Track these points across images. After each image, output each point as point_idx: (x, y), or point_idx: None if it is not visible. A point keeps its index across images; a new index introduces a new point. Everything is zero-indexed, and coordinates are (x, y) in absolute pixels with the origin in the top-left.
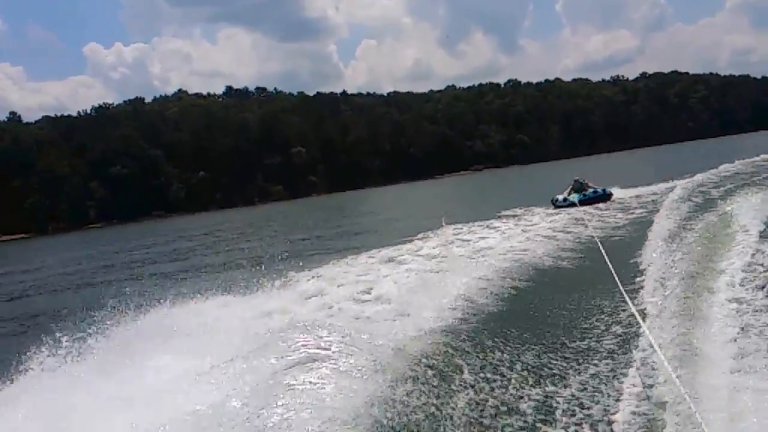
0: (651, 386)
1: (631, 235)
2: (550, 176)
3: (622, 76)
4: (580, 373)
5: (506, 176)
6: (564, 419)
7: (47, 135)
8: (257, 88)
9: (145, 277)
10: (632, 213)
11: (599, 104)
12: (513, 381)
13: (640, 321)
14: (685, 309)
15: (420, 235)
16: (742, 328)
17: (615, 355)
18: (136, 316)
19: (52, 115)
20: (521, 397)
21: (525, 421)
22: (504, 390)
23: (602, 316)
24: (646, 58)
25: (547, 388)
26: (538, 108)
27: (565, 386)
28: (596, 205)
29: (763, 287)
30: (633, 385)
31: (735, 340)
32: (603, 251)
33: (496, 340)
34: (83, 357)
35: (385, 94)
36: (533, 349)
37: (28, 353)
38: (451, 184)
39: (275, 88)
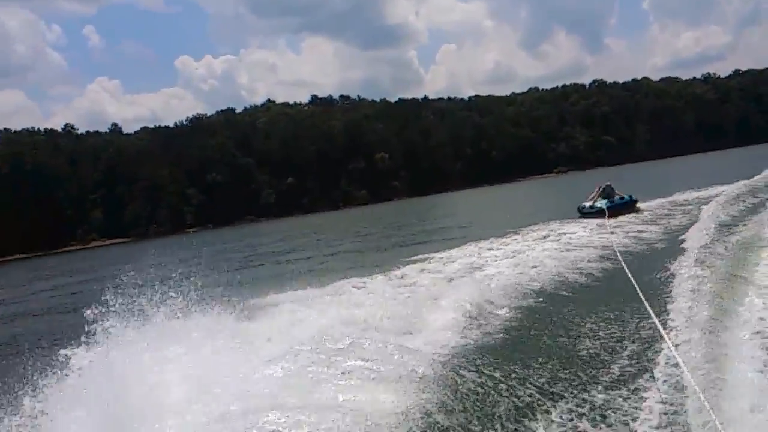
0: (674, 405)
1: (661, 247)
2: (636, 177)
3: (714, 73)
4: (599, 388)
5: (589, 178)
6: None
7: (147, 145)
8: (341, 96)
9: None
10: (662, 224)
11: (689, 103)
12: (528, 396)
13: (667, 339)
14: (713, 329)
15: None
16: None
17: (637, 372)
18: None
19: (149, 125)
20: (536, 413)
21: None
22: (520, 404)
23: (626, 333)
24: (739, 54)
25: (564, 405)
26: (625, 108)
27: (585, 401)
28: (625, 214)
29: None
30: (656, 402)
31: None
32: (623, 264)
33: (513, 354)
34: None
35: (467, 98)
36: (551, 363)
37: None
38: (532, 187)
39: (358, 96)
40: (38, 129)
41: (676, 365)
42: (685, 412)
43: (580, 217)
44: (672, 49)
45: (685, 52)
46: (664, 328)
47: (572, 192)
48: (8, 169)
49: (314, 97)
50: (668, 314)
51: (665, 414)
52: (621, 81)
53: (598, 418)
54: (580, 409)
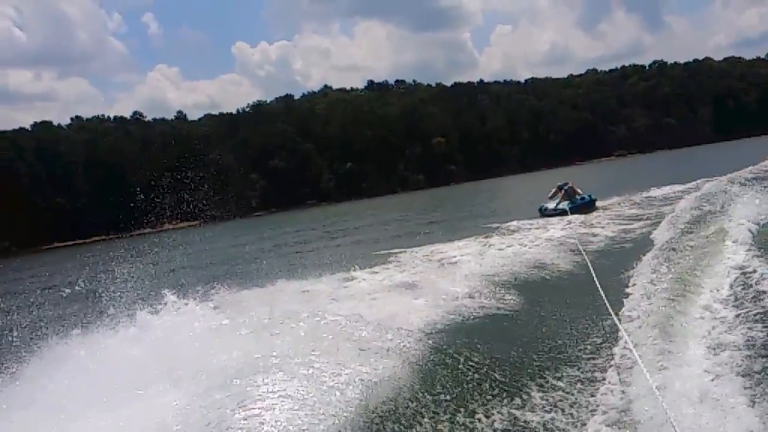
0: (627, 388)
1: (626, 245)
2: (698, 158)
3: None
4: (556, 380)
5: (651, 161)
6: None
7: (212, 131)
8: (396, 81)
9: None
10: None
11: (754, 84)
12: (487, 391)
13: (620, 327)
14: (665, 320)
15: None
16: (714, 346)
17: (594, 361)
18: None
19: (209, 111)
20: (494, 409)
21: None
22: (479, 401)
23: (585, 325)
24: None
25: (522, 398)
26: (687, 89)
27: (542, 394)
28: (585, 213)
29: (736, 303)
30: (609, 389)
31: (707, 354)
32: (587, 259)
33: (474, 346)
34: None
35: (522, 81)
36: (511, 357)
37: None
38: (589, 170)
39: (414, 80)
40: (108, 116)
41: (631, 359)
42: (635, 401)
43: (541, 217)
44: (735, 27)
45: (749, 30)
46: (620, 321)
47: (631, 174)
48: (83, 156)
49: (370, 83)
50: (625, 308)
51: (619, 407)
52: (682, 61)
53: (555, 409)
54: (537, 401)
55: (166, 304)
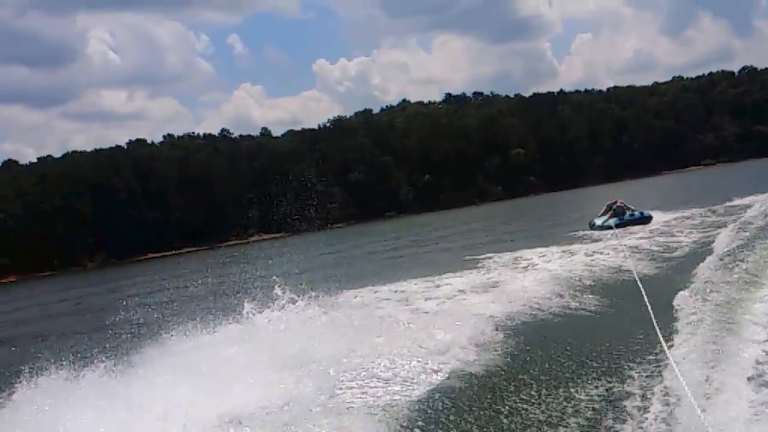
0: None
1: (676, 265)
2: None
3: None
4: (602, 401)
5: (742, 171)
6: None
7: (296, 147)
8: (474, 93)
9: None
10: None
11: None
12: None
13: (669, 355)
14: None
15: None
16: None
17: (639, 386)
18: None
19: (291, 128)
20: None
21: None
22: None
23: (632, 349)
24: None
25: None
26: None
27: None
28: (636, 227)
29: None
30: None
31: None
32: (638, 280)
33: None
34: None
35: (604, 90)
36: (558, 375)
37: None
38: (674, 181)
39: (491, 92)
40: (197, 134)
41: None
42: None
43: (590, 230)
44: None
45: None
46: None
47: (716, 185)
48: (176, 172)
49: (448, 95)
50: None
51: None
52: None
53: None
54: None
55: (279, 302)
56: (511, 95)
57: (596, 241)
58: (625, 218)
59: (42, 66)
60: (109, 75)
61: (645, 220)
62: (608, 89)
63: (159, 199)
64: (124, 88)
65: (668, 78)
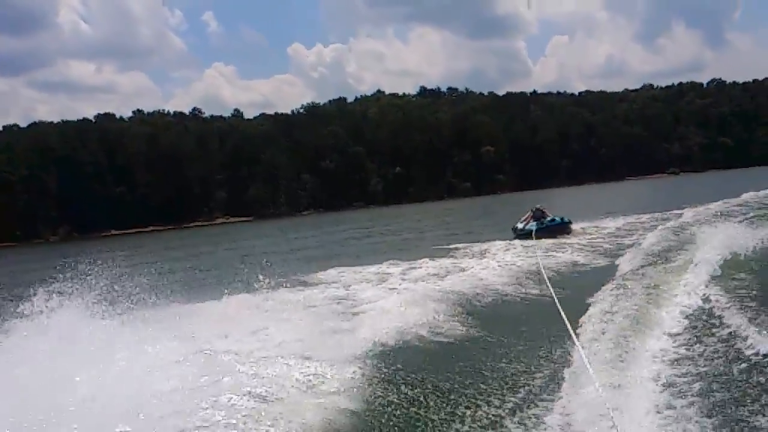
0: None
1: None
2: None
3: None
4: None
5: (705, 180)
6: None
7: (267, 130)
8: (449, 88)
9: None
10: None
11: None
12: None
13: (582, 354)
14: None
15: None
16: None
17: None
18: None
19: (262, 111)
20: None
21: None
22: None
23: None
24: None
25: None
26: (745, 110)
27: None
28: (557, 236)
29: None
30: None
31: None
32: (547, 281)
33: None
34: None
35: (577, 93)
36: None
37: None
38: (636, 187)
39: (466, 88)
40: (168, 111)
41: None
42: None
43: (514, 238)
44: None
45: None
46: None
47: (675, 193)
48: (144, 148)
49: (422, 89)
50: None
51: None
52: (742, 80)
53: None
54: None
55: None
56: (485, 92)
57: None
58: (545, 223)
59: (9, 32)
60: (79, 45)
61: (564, 225)
62: (580, 93)
63: (126, 175)
64: (93, 60)
65: (638, 85)
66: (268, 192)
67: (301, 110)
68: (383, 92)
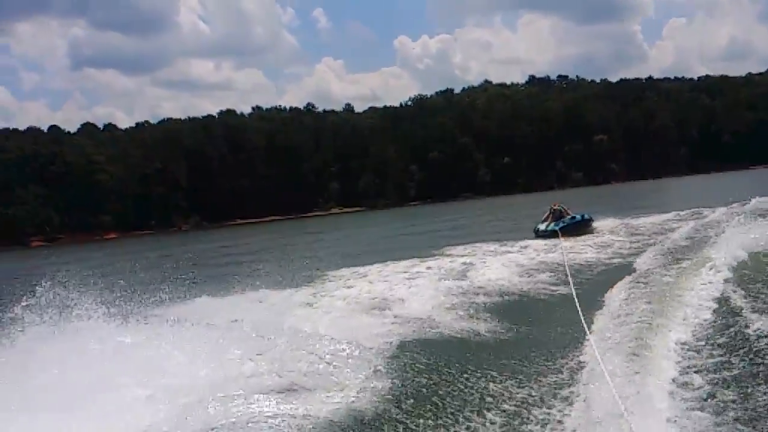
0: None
1: (611, 267)
2: None
3: None
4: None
5: None
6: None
7: (376, 123)
8: (559, 76)
9: None
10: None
11: None
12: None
13: (596, 353)
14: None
15: None
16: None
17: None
18: None
19: (371, 104)
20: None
21: None
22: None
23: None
24: None
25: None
26: None
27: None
28: (581, 234)
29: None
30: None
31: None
32: (570, 280)
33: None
34: None
35: (695, 78)
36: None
37: None
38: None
39: (576, 76)
40: (284, 107)
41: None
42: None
43: (535, 238)
44: None
45: None
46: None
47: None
48: (264, 143)
49: (531, 78)
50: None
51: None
52: None
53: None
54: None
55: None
56: (597, 80)
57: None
58: (566, 222)
59: (135, 33)
60: (198, 44)
61: (585, 222)
62: (699, 78)
63: (248, 168)
64: (212, 58)
65: (764, 68)
66: (377, 183)
67: (409, 102)
68: (490, 82)
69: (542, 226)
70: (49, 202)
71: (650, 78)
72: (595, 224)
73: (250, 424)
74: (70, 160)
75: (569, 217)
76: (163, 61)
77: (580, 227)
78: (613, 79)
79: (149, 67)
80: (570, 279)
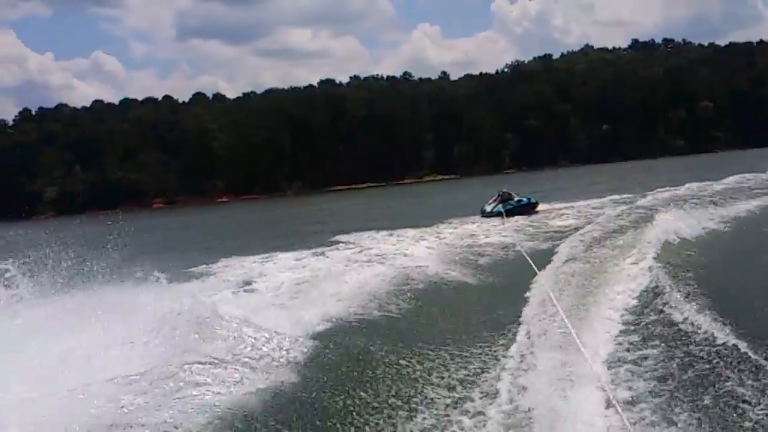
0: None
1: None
2: None
3: None
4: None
5: None
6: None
7: (473, 90)
8: (664, 40)
9: None
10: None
11: None
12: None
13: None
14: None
15: None
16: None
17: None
18: None
19: (467, 71)
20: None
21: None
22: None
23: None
24: None
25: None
26: None
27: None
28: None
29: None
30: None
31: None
32: (526, 255)
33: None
34: None
35: None
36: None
37: None
38: None
39: (683, 39)
40: (381, 75)
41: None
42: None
43: (481, 218)
44: None
45: None
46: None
47: None
48: (363, 111)
49: (635, 42)
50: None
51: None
52: None
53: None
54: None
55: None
56: (705, 43)
57: None
58: (512, 204)
59: (238, 3)
60: (296, 13)
61: (531, 205)
62: None
63: (348, 136)
64: (309, 27)
65: None
66: (471, 151)
67: (506, 69)
68: (591, 46)
69: (488, 208)
70: (169, 167)
71: (761, 41)
72: (539, 207)
73: None
74: (187, 128)
75: (515, 199)
76: (263, 31)
77: (524, 209)
78: (722, 42)
79: (250, 37)
80: (526, 255)
